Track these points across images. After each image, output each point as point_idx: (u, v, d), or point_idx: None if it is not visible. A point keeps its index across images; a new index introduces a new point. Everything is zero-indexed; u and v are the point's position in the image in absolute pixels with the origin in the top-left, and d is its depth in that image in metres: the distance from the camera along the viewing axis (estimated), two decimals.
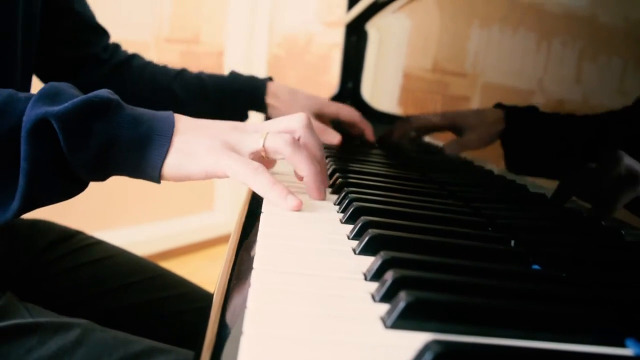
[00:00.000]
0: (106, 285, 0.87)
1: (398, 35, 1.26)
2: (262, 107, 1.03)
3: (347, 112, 1.05)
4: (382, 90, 1.37)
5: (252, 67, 2.86)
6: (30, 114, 0.52)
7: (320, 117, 1.04)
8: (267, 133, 0.59)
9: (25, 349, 0.61)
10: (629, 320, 0.36)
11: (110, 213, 2.34)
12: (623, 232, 0.46)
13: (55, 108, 0.52)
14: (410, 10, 1.17)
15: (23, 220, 0.89)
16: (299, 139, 0.62)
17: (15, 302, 0.67)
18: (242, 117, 1.05)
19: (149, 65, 1.04)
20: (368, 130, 1.06)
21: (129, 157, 0.56)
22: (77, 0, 0.92)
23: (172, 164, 0.56)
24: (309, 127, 0.63)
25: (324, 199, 0.62)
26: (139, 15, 2.35)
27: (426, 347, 0.28)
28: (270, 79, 1.04)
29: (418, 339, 0.31)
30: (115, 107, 0.55)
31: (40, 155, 0.53)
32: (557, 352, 0.33)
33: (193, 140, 0.57)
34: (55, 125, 0.52)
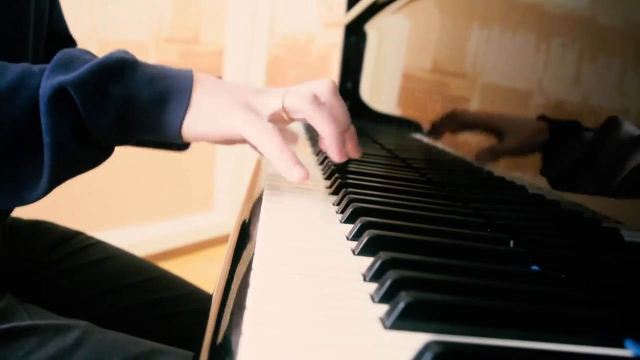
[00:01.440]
0: (106, 285, 0.87)
1: (397, 36, 1.26)
2: None
3: None
4: (381, 90, 1.37)
5: (252, 67, 2.87)
6: (46, 85, 0.51)
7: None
8: (287, 92, 0.58)
9: (24, 351, 0.61)
10: (628, 321, 0.36)
11: (110, 214, 2.34)
12: (622, 233, 0.46)
13: (70, 75, 0.51)
14: (409, 11, 1.17)
15: (24, 221, 0.89)
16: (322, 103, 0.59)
17: (15, 304, 0.67)
18: None
19: None
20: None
21: (149, 117, 0.55)
22: (56, 9, 0.92)
23: (190, 123, 0.55)
24: (335, 91, 0.61)
25: (343, 160, 0.60)
26: (139, 15, 2.35)
27: (425, 348, 0.28)
28: None
29: (417, 339, 0.31)
30: (130, 66, 0.54)
31: (62, 126, 0.52)
32: (555, 352, 0.33)
33: (213, 99, 0.56)
34: (72, 93, 0.51)
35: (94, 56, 0.56)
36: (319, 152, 0.92)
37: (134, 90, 0.53)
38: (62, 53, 0.54)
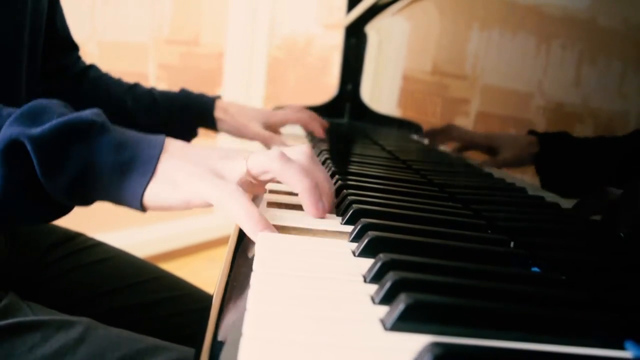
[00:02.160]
0: (106, 286, 0.87)
1: (398, 38, 1.26)
2: (210, 121, 1.07)
3: (294, 117, 1.09)
4: (381, 92, 1.37)
5: (252, 68, 2.87)
6: (5, 133, 0.50)
7: (269, 127, 1.08)
8: (251, 153, 0.55)
9: (28, 346, 0.61)
10: (628, 323, 0.36)
11: (110, 215, 2.33)
12: (622, 235, 0.46)
13: (32, 130, 0.50)
14: (409, 13, 1.17)
15: None
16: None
17: (18, 301, 0.67)
18: (191, 132, 1.08)
19: (104, 76, 1.06)
20: (317, 130, 1.11)
21: (109, 184, 0.53)
22: (59, 15, 0.93)
23: (153, 193, 0.53)
24: (310, 155, 0.57)
25: (323, 216, 0.55)
26: (139, 17, 2.35)
27: (426, 349, 0.29)
28: (219, 97, 1.08)
29: (418, 341, 0.31)
30: (98, 130, 0.53)
31: (13, 176, 0.51)
32: (556, 354, 0.33)
33: (177, 167, 0.53)
34: (29, 148, 0.50)
35: (70, 110, 0.55)
36: (319, 153, 0.92)
37: (96, 155, 0.52)
38: (36, 103, 0.53)
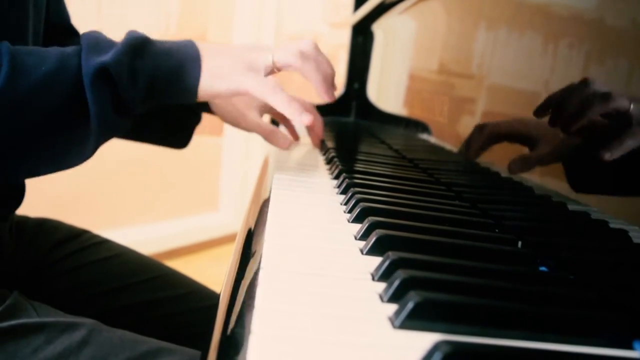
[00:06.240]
0: (112, 284, 0.87)
1: (404, 37, 1.26)
2: (208, 106, 1.02)
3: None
4: (388, 91, 1.37)
5: None
6: (88, 65, 0.59)
7: (270, 110, 1.03)
8: (276, 49, 0.68)
9: (31, 348, 0.61)
10: (636, 322, 0.36)
11: (116, 212, 2.34)
12: (630, 234, 0.46)
13: (107, 57, 0.59)
14: (416, 12, 1.17)
15: (30, 219, 0.90)
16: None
17: (23, 301, 0.67)
18: (192, 116, 1.04)
19: None
20: (317, 126, 1.07)
21: (170, 85, 0.63)
22: (54, 2, 0.91)
23: (205, 84, 0.64)
24: (317, 47, 0.71)
25: (333, 100, 0.72)
26: (146, 15, 2.36)
27: (435, 347, 0.29)
28: None
29: (426, 339, 0.31)
30: (148, 45, 0.63)
31: (104, 98, 0.59)
32: (564, 353, 0.33)
33: (219, 62, 0.65)
34: (111, 71, 0.59)
35: (107, 37, 0.64)
36: (326, 151, 0.92)
37: (155, 64, 0.62)
38: (87, 36, 0.62)
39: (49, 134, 0.60)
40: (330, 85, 0.71)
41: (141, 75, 0.61)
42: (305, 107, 0.68)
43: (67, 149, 0.63)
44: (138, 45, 0.61)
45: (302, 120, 0.66)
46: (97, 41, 0.61)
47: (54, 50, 0.60)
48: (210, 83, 0.64)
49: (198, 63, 0.64)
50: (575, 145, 0.54)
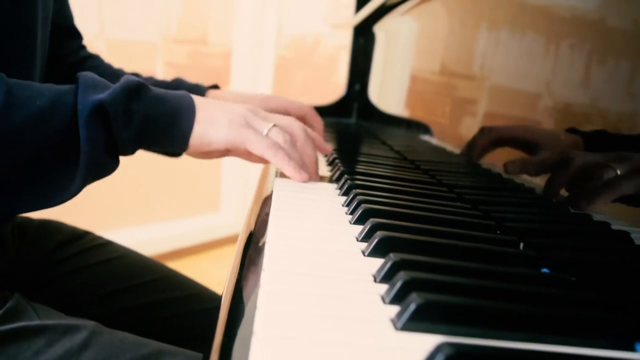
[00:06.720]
0: (115, 285, 0.87)
1: (406, 38, 1.26)
2: None
3: (295, 107, 1.06)
4: (389, 92, 1.37)
5: (260, 68, 2.87)
6: (85, 102, 0.58)
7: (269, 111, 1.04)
8: (273, 125, 0.68)
9: (32, 351, 0.61)
10: (639, 324, 0.36)
11: (118, 214, 2.35)
12: (632, 236, 0.46)
13: (104, 95, 0.59)
14: (418, 13, 1.17)
15: (32, 220, 0.90)
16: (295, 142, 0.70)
17: (24, 304, 0.67)
18: None
19: (101, 67, 1.04)
20: (317, 126, 1.07)
21: (163, 130, 0.63)
22: (57, 4, 0.92)
23: (199, 132, 0.64)
24: (306, 133, 0.72)
25: (305, 180, 0.69)
26: (147, 16, 2.36)
27: (437, 349, 0.29)
28: (216, 86, 1.05)
29: (428, 341, 0.31)
30: (144, 89, 0.63)
31: (97, 137, 0.59)
32: (566, 355, 0.33)
33: (215, 113, 0.65)
34: (108, 110, 0.58)
35: (102, 79, 0.63)
36: None
37: (150, 108, 0.63)
38: (83, 76, 0.61)
39: (35, 170, 0.59)
40: (303, 168, 0.70)
41: (136, 116, 0.61)
42: (305, 156, 0.71)
43: (51, 187, 0.61)
44: (134, 88, 0.61)
45: (300, 177, 0.68)
46: (94, 81, 0.61)
47: (49, 86, 0.60)
48: (204, 131, 0.65)
49: (192, 111, 0.64)
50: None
